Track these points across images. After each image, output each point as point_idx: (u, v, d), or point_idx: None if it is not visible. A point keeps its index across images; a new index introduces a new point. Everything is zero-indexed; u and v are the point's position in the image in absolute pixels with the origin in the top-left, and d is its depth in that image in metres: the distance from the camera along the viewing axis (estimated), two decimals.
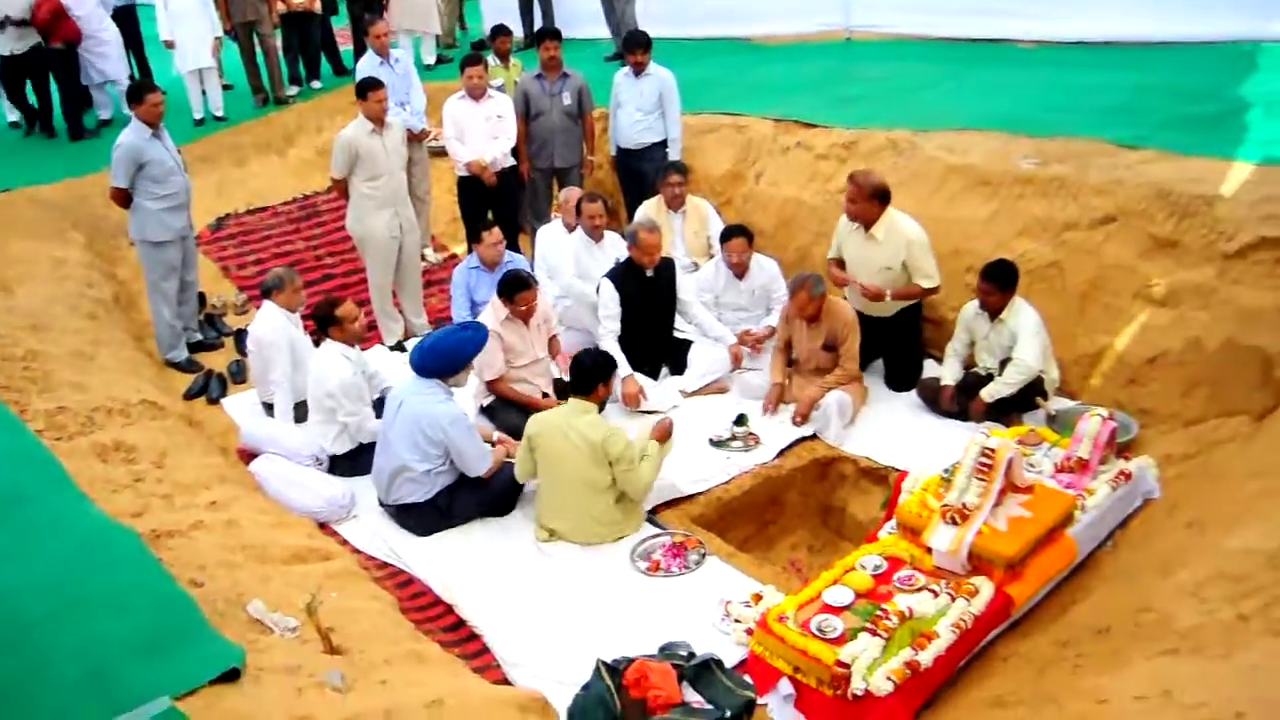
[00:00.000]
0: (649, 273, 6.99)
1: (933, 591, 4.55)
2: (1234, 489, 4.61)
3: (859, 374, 6.70)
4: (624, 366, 6.85)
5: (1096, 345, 6.44)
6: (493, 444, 5.96)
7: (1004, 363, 6.36)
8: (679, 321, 7.32)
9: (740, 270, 7.35)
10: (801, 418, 6.53)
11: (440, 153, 9.35)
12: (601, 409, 5.53)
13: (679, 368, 7.22)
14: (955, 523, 4.72)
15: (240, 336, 7.95)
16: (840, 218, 6.98)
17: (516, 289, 6.39)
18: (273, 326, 6.67)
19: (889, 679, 4.14)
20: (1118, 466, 5.36)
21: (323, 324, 6.34)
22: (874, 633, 4.30)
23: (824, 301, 6.60)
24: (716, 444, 6.43)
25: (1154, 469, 5.46)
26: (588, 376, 5.46)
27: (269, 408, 6.81)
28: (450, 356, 5.61)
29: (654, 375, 7.15)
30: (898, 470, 5.92)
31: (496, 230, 7.35)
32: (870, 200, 6.62)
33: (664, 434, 5.63)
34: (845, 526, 6.36)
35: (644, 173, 8.73)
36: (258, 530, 5.08)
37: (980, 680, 4.34)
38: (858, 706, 4.13)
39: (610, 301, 6.97)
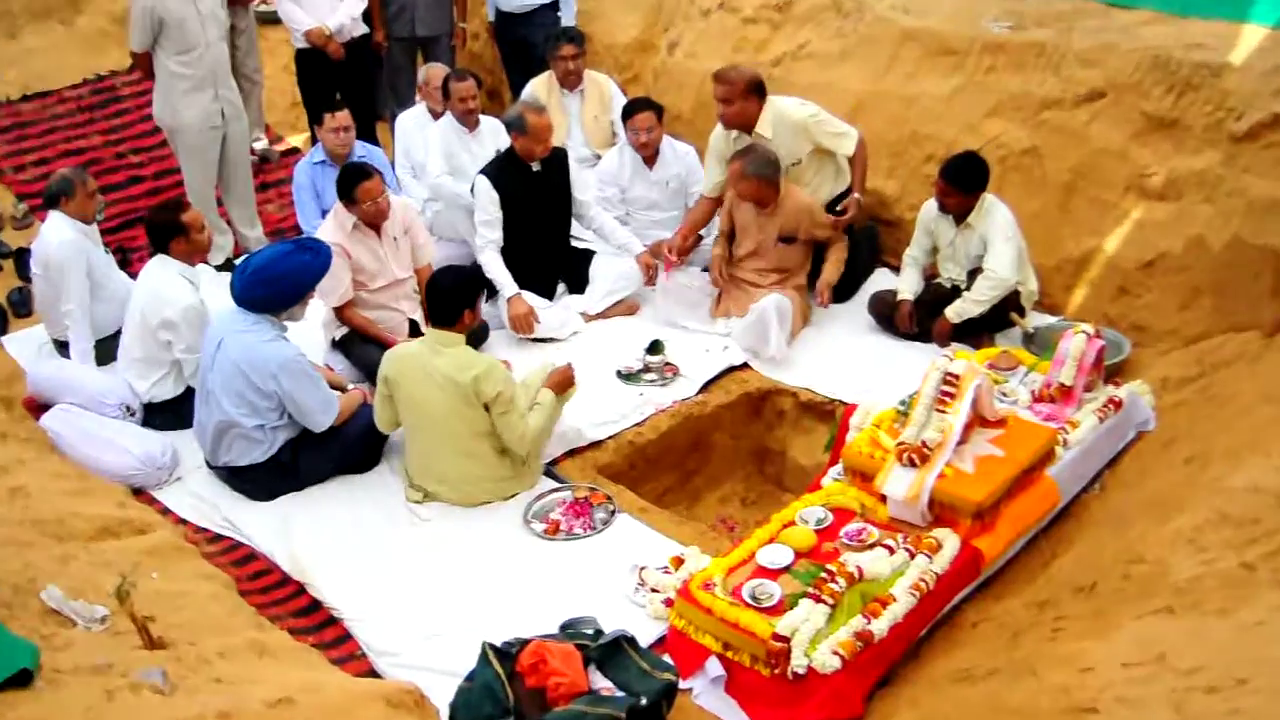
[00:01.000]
0: (536, 166, 6.98)
1: (888, 548, 4.63)
2: (1240, 417, 4.74)
3: (842, 234, 6.82)
4: (509, 284, 6.87)
5: (1082, 248, 6.58)
6: (343, 390, 5.94)
7: (973, 273, 6.45)
8: (576, 228, 7.39)
9: (649, 154, 7.40)
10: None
11: (272, 19, 9.21)
12: (478, 342, 5.51)
13: (579, 284, 7.27)
14: (913, 464, 4.79)
15: (22, 257, 7.81)
16: (712, 133, 7.02)
17: (354, 181, 6.31)
18: (63, 242, 6.53)
19: (836, 654, 4.20)
20: (1106, 394, 5.48)
21: (161, 235, 6.21)
22: (818, 599, 4.36)
23: (776, 188, 6.69)
24: (626, 377, 6.50)
25: (1149, 395, 5.61)
26: (446, 301, 5.38)
27: (62, 346, 6.73)
28: (281, 286, 5.50)
29: (548, 295, 7.19)
30: (845, 404, 5.99)
31: (343, 113, 7.30)
32: (747, 96, 6.76)
33: (562, 384, 5.66)
34: (784, 474, 6.45)
35: (530, 43, 8.72)
36: (53, 500, 5.02)
37: (946, 651, 4.44)
38: (800, 687, 4.19)
39: (488, 204, 6.94)
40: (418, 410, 5.44)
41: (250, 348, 5.45)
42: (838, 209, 6.89)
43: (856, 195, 6.94)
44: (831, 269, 6.80)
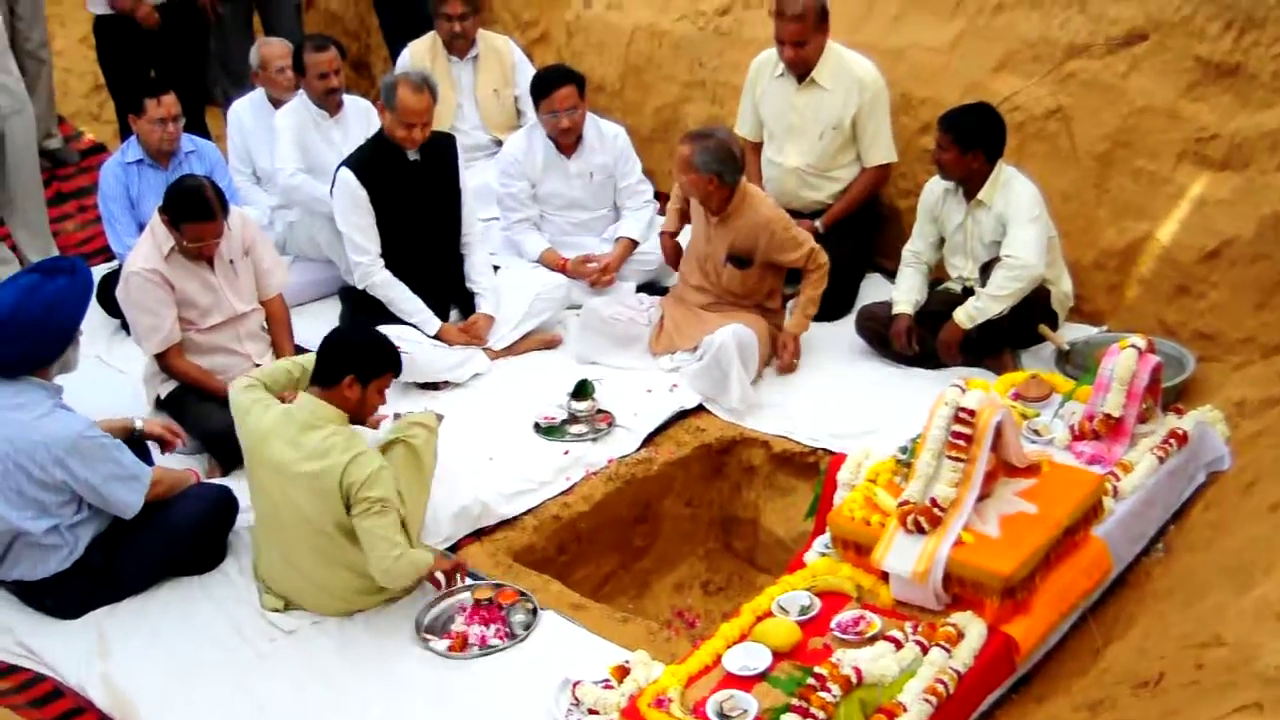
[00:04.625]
0: (413, 155, 6.99)
1: (893, 641, 4.61)
2: None
3: (824, 267, 6.84)
4: (429, 317, 7.05)
5: (1126, 237, 6.70)
6: (161, 450, 5.95)
7: (987, 267, 6.55)
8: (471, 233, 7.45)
9: (569, 140, 7.53)
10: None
11: None
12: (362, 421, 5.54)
13: (475, 309, 7.34)
14: (921, 530, 4.79)
15: None
16: (754, 60, 7.22)
17: (184, 213, 6.27)
18: None
19: None
20: (1166, 425, 5.54)
21: None
22: (805, 713, 4.32)
23: (732, 192, 6.75)
24: (547, 431, 6.56)
25: (1221, 425, 5.67)
26: (333, 355, 5.40)
27: None
28: (37, 333, 5.38)
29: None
30: (830, 454, 6.05)
31: (169, 97, 7.38)
32: (817, 29, 7.09)
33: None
34: (756, 549, 6.53)
35: None
36: None
37: None
38: None
39: (357, 205, 6.93)
40: (263, 495, 5.43)
41: (20, 431, 5.32)
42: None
43: (817, 225, 7.31)
44: (799, 317, 6.85)
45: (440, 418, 5.82)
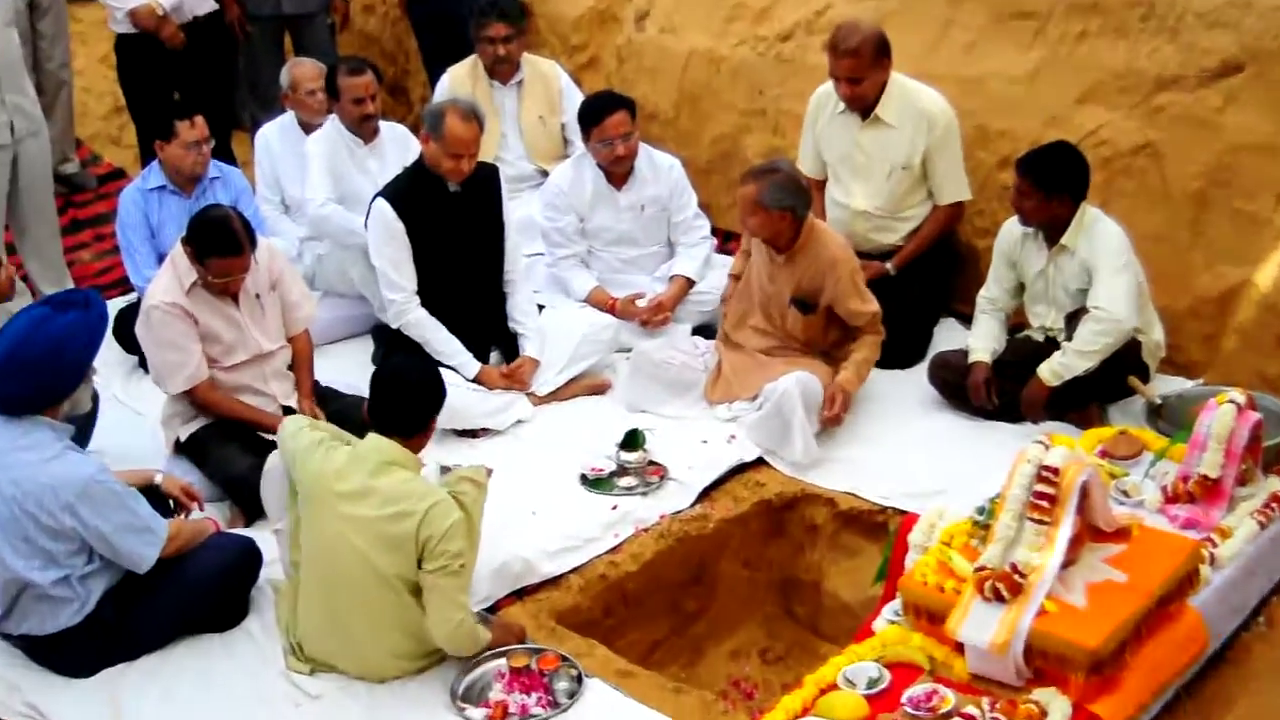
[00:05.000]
0: (454, 186, 6.94)
1: (969, 719, 4.56)
2: None
3: (881, 334, 6.81)
4: (468, 360, 6.96)
5: (1222, 283, 6.64)
6: (173, 509, 5.83)
7: (1073, 318, 6.46)
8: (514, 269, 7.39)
9: (623, 170, 7.46)
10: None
11: None
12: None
13: (519, 352, 7.24)
14: (1000, 599, 4.73)
15: None
16: (814, 94, 7.18)
17: (211, 246, 6.22)
18: None
19: None
20: (1268, 488, 5.48)
21: None
22: None
23: (801, 227, 6.66)
24: (594, 484, 6.49)
25: None
26: (412, 399, 5.35)
27: None
28: (45, 370, 5.33)
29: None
30: (901, 513, 5.99)
31: (200, 119, 7.36)
32: (874, 64, 7.00)
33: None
34: (819, 615, 6.45)
35: (451, 17, 8.86)
36: None
37: None
38: None
39: (392, 239, 6.89)
40: (320, 543, 5.31)
41: (28, 474, 5.25)
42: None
43: (888, 267, 7.26)
44: (853, 374, 6.71)
45: (490, 472, 5.68)
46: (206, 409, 6.44)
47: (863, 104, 7.14)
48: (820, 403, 6.53)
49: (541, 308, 7.32)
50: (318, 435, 5.38)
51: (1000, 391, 6.56)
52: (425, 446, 5.39)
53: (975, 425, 6.61)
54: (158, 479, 5.84)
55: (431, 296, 7.01)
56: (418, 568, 5.11)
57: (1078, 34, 7.17)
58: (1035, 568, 4.73)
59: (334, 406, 6.53)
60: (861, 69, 6.99)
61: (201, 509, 5.92)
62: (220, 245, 6.20)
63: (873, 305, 6.70)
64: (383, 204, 6.88)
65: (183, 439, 6.50)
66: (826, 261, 6.64)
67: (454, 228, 6.97)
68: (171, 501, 5.84)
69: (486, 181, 7.03)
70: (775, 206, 6.50)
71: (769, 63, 8.05)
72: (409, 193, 6.91)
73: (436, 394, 5.38)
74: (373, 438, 5.27)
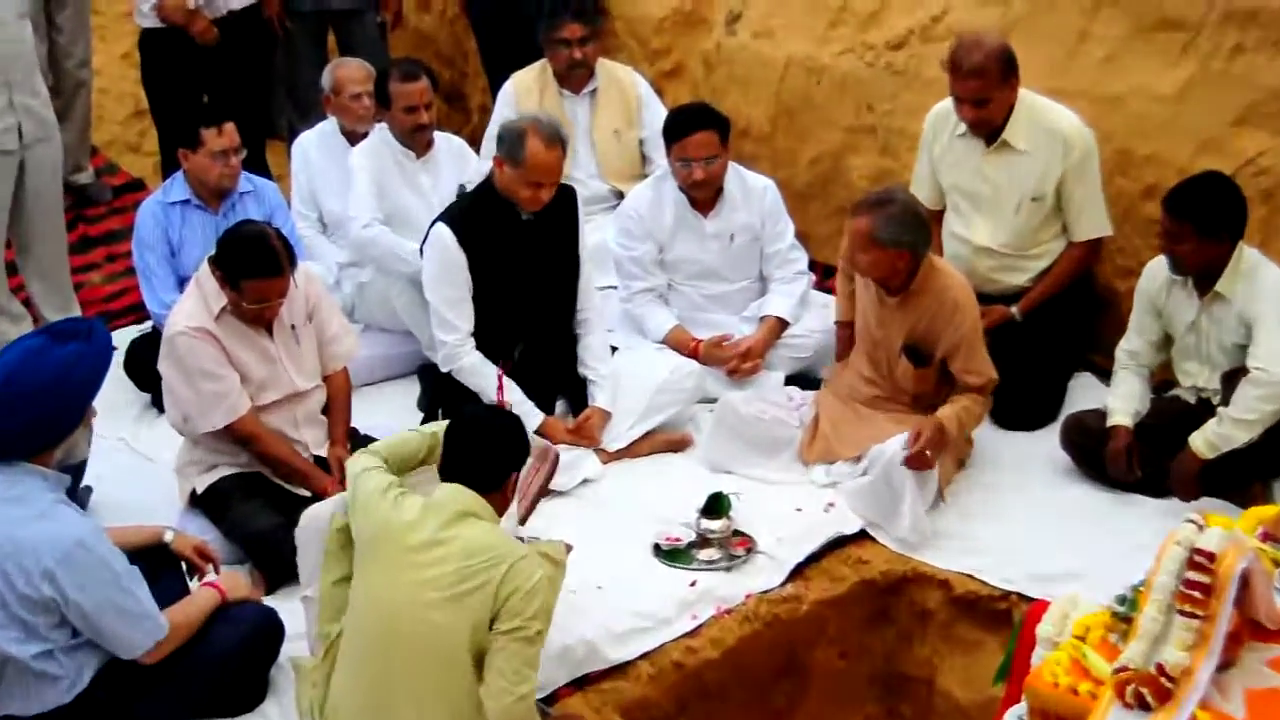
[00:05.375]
0: (526, 214, 6.70)
1: None
2: None
3: (989, 403, 6.64)
4: (531, 409, 6.72)
5: None
6: (186, 573, 5.65)
7: (1230, 377, 6.21)
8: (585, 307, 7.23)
9: (703, 195, 7.18)
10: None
11: None
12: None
13: (586, 400, 7.03)
14: (1145, 706, 4.38)
15: None
16: (930, 113, 7.10)
17: (246, 267, 6.04)
18: None
19: None
20: None
21: None
22: None
23: (918, 265, 6.39)
24: (670, 555, 6.23)
25: None
26: (494, 449, 5.18)
27: None
28: (37, 409, 5.10)
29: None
30: (1027, 600, 5.79)
31: (230, 127, 7.19)
32: (1002, 83, 6.74)
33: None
34: (930, 716, 6.35)
35: (516, 16, 8.80)
36: None
37: None
38: None
39: (452, 272, 6.66)
40: (377, 605, 5.08)
41: (8, 530, 5.02)
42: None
43: (1014, 311, 6.97)
44: (954, 415, 6.41)
45: (569, 549, 5.54)
46: (250, 446, 6.26)
47: (988, 128, 6.91)
48: (936, 471, 6.34)
49: (614, 349, 7.19)
50: (389, 478, 5.24)
51: (1144, 460, 6.28)
52: (505, 510, 5.28)
53: (1115, 499, 6.35)
54: (168, 537, 5.63)
55: (491, 337, 6.79)
56: (489, 629, 4.97)
57: (1232, 47, 6.84)
58: (1186, 670, 4.39)
59: None
60: (988, 89, 6.75)
61: (217, 571, 5.72)
62: (257, 265, 6.02)
63: (990, 371, 6.46)
64: (444, 230, 6.65)
65: (200, 490, 6.31)
66: (947, 306, 6.38)
67: (523, 260, 6.71)
68: (184, 564, 5.70)
69: (563, 206, 6.78)
70: (892, 244, 6.22)
71: (878, 74, 7.84)
72: (474, 218, 6.68)
73: (519, 445, 5.27)
74: (451, 486, 5.13)
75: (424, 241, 6.82)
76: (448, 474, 5.18)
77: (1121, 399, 6.38)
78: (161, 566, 5.42)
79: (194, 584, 5.74)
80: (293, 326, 6.31)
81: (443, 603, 4.95)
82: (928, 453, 6.23)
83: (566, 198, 6.87)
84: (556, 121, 6.80)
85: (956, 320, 6.35)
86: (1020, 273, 7.05)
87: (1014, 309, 6.97)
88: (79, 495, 6.35)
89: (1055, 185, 6.87)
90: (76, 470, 6.17)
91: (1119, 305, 6.93)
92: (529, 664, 4.97)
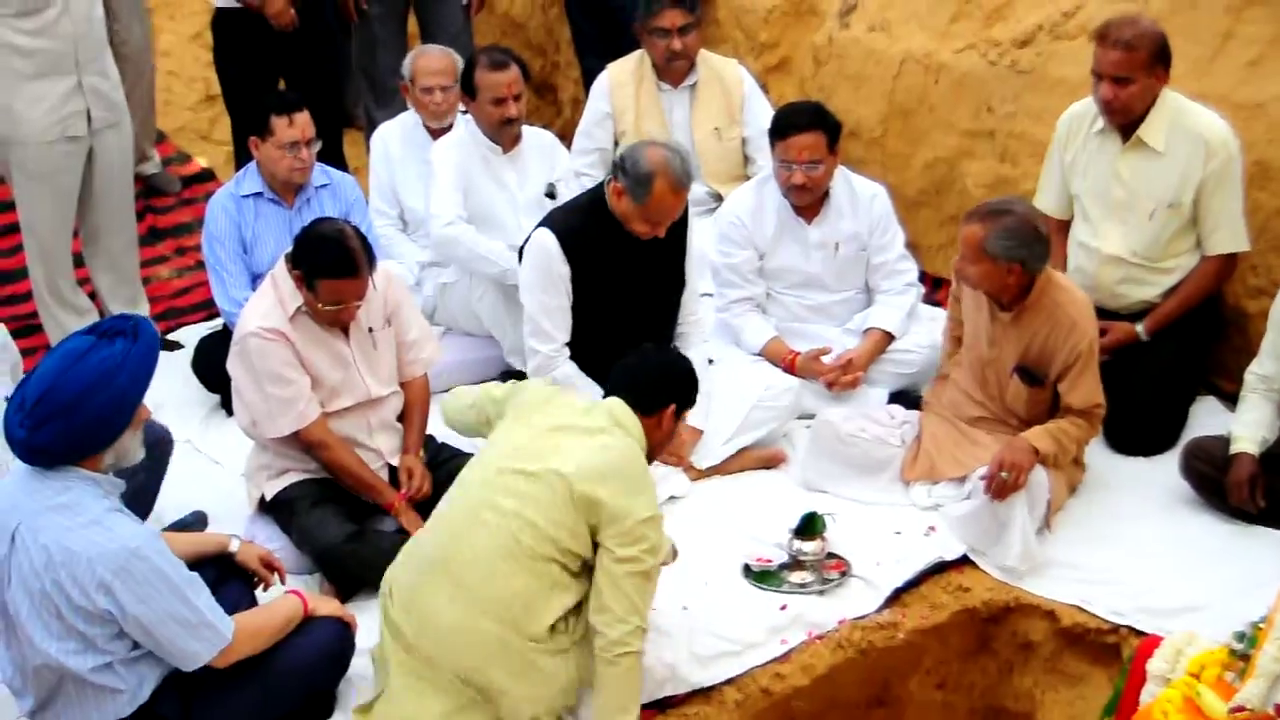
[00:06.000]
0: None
1: None
2: None
3: (1094, 430, 6.57)
4: None
5: None
6: (252, 579, 5.68)
7: None
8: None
9: (802, 200, 7.17)
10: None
11: None
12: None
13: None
14: None
15: None
16: (1065, 113, 7.04)
17: (322, 267, 6.07)
18: None
19: None
20: None
21: None
22: None
23: (1033, 280, 6.34)
24: (760, 577, 6.23)
25: None
26: (655, 377, 5.51)
27: None
28: (84, 412, 5.05)
29: None
30: (1139, 634, 5.78)
31: (303, 115, 7.24)
32: (1150, 70, 6.67)
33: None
34: None
35: (615, 3, 8.87)
36: None
37: None
38: None
39: (553, 281, 6.71)
40: (493, 461, 5.42)
41: (60, 539, 4.99)
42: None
43: (1139, 330, 6.90)
44: (1047, 438, 6.31)
45: (676, 554, 5.80)
46: (317, 454, 6.29)
47: (1125, 116, 6.78)
48: (1045, 494, 6.24)
49: (709, 361, 7.13)
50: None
51: (1269, 491, 6.19)
52: (657, 448, 5.54)
53: (1236, 530, 6.28)
54: (233, 546, 5.69)
55: (586, 349, 6.80)
56: (592, 542, 5.21)
57: None
58: None
59: (448, 469, 6.29)
60: (1133, 67, 6.62)
61: (283, 582, 5.77)
62: (334, 264, 6.03)
63: (1097, 396, 6.39)
64: (549, 238, 6.65)
65: (269, 497, 6.35)
66: (1064, 324, 6.30)
67: (628, 275, 6.72)
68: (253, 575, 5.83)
69: (677, 223, 6.77)
70: (1004, 256, 6.16)
71: (1001, 73, 7.74)
72: (582, 230, 6.67)
73: (687, 382, 5.58)
74: (613, 399, 5.47)
75: (524, 245, 6.83)
76: (611, 390, 5.48)
77: (1248, 425, 6.30)
78: (228, 575, 5.49)
79: (263, 595, 5.86)
80: (370, 330, 6.33)
81: (549, 497, 5.14)
82: (1004, 475, 6.16)
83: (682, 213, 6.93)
84: (688, 159, 6.75)
85: (1073, 339, 6.29)
86: (1149, 286, 6.97)
87: (1139, 327, 6.90)
88: (191, 524, 6.45)
89: (1194, 193, 6.79)
90: (151, 475, 6.22)
91: (1249, 327, 6.88)
92: (642, 597, 5.17)
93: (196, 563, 5.34)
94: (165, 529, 6.02)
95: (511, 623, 5.20)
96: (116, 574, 4.92)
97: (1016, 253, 6.15)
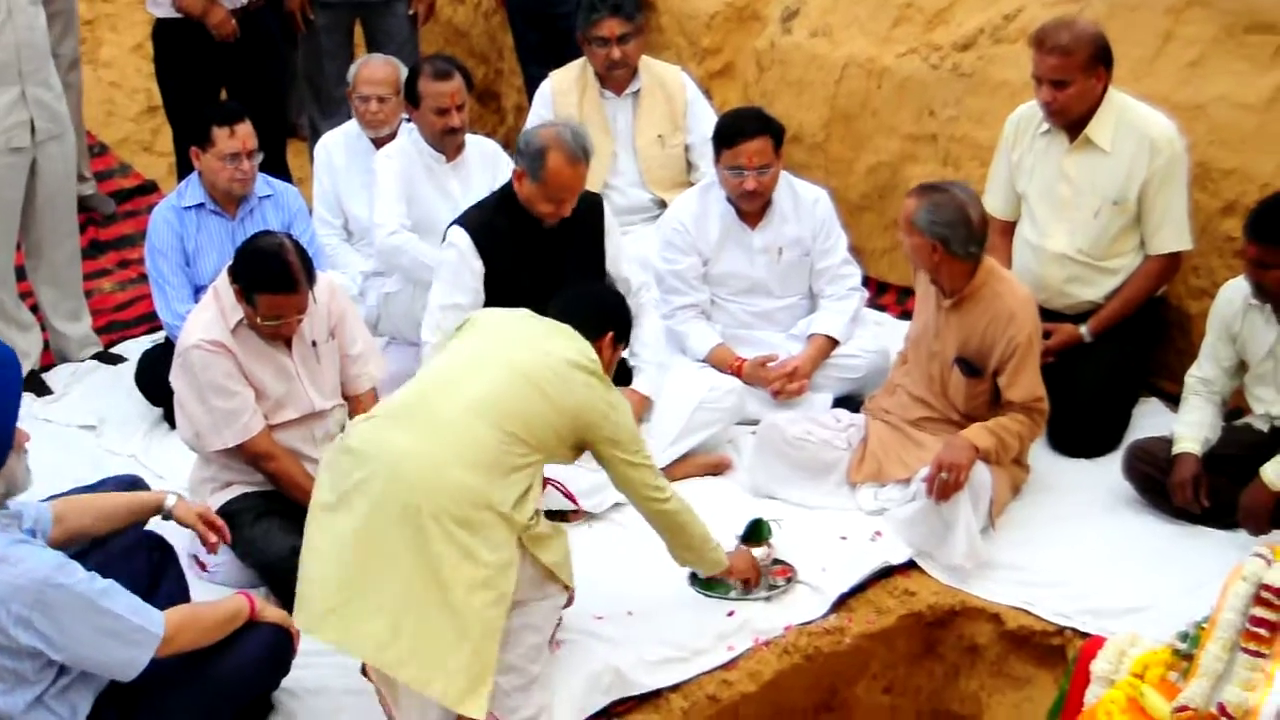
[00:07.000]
0: (548, 224, 6.84)
1: None
2: None
3: (1037, 427, 6.63)
4: None
5: None
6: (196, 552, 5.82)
7: None
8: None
9: (753, 206, 7.25)
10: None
11: None
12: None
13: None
14: None
15: None
16: (1013, 114, 7.18)
17: (260, 281, 6.10)
18: None
19: None
20: None
21: None
22: None
23: (970, 269, 6.45)
24: (706, 585, 6.28)
25: None
26: (592, 307, 5.70)
27: None
28: None
29: None
30: (1082, 635, 5.85)
31: (244, 126, 7.27)
32: (1089, 72, 6.79)
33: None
34: None
35: (558, 11, 8.92)
36: None
37: None
38: None
39: (462, 275, 6.79)
40: (464, 354, 5.55)
41: None
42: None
43: (1083, 331, 7.02)
44: (987, 435, 6.39)
45: (572, 599, 5.85)
46: (263, 466, 6.32)
47: (1065, 117, 6.92)
48: (988, 493, 6.34)
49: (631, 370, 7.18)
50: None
51: (1212, 491, 6.29)
52: (607, 361, 5.65)
53: (1179, 531, 6.38)
54: (169, 502, 5.63)
55: None
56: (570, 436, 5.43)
57: None
58: (1250, 710, 4.57)
59: None
60: (1069, 70, 6.76)
61: (227, 541, 5.79)
62: (271, 279, 6.05)
63: (1037, 390, 6.48)
64: (461, 234, 6.76)
65: (213, 509, 6.14)
66: (1003, 315, 6.41)
67: (542, 267, 6.78)
68: (184, 564, 5.85)
69: (587, 215, 6.91)
70: (928, 232, 6.30)
71: (943, 77, 7.85)
72: (494, 225, 6.79)
73: (621, 312, 5.83)
74: (554, 321, 5.63)
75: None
76: (555, 319, 5.57)
77: (1190, 425, 6.41)
78: (162, 569, 5.50)
79: (209, 558, 6.03)
80: (314, 343, 6.37)
81: (529, 389, 5.24)
82: (944, 475, 6.22)
83: (592, 206, 6.99)
84: (582, 132, 6.83)
85: (1011, 331, 6.38)
86: (1093, 286, 7.07)
87: (1083, 328, 6.99)
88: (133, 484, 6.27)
89: (1138, 190, 6.88)
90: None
91: (1191, 328, 6.97)
92: (657, 477, 5.58)
93: (132, 549, 5.43)
94: (103, 487, 5.91)
95: (482, 474, 5.19)
96: (33, 608, 4.89)
97: (939, 230, 6.26)
